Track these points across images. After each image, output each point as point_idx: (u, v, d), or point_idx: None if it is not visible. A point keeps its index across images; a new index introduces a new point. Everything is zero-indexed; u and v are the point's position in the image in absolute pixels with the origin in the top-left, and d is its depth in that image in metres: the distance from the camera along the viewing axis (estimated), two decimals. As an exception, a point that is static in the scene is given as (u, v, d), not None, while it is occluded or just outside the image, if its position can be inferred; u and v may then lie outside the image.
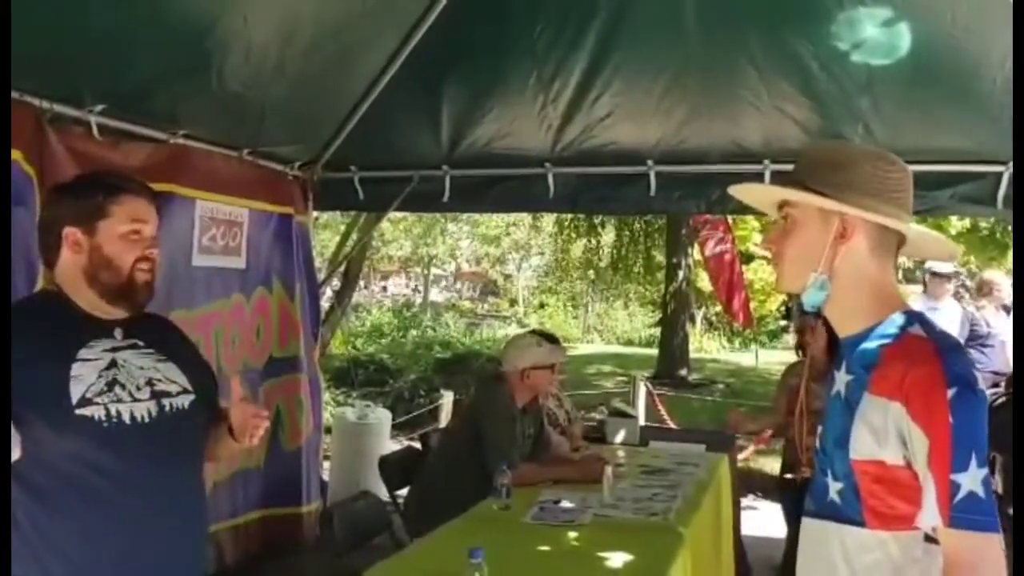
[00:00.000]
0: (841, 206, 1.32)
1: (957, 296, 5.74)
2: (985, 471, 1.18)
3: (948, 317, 5.47)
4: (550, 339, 3.53)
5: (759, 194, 1.53)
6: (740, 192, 1.52)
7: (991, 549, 1.18)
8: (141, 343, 1.74)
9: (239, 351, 4.08)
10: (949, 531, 1.18)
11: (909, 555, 1.25)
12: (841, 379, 1.36)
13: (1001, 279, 5.83)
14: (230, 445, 1.87)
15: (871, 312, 1.34)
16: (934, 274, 5.65)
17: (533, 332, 3.69)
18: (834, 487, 1.32)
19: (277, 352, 4.35)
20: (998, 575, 1.18)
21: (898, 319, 1.31)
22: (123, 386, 1.64)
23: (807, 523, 1.40)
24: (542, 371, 3.39)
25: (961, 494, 1.17)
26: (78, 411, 1.56)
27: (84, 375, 1.60)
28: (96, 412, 1.58)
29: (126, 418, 1.61)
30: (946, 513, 1.17)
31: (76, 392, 1.57)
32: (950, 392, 1.19)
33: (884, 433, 1.24)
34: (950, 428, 1.18)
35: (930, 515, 1.19)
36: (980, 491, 1.17)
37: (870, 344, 1.31)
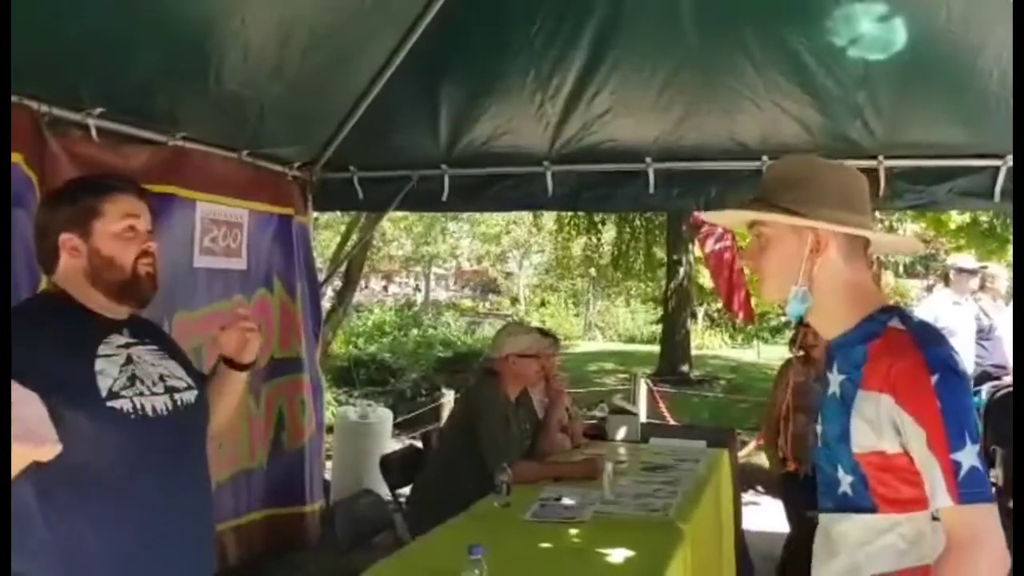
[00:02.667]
0: (814, 223, 1.39)
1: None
2: (977, 445, 1.25)
3: (969, 312, 5.48)
4: (542, 331, 3.59)
5: (732, 216, 1.61)
6: (713, 218, 1.61)
7: (992, 518, 1.25)
8: (147, 340, 1.76)
9: None
10: (957, 508, 1.23)
11: (919, 532, 1.32)
12: (835, 380, 1.42)
13: (999, 270, 5.85)
14: (236, 380, 1.90)
15: (852, 313, 1.41)
16: (959, 270, 5.62)
17: (516, 322, 3.74)
18: (845, 481, 1.39)
19: (278, 353, 4.36)
20: (999, 541, 1.24)
21: (880, 316, 1.39)
22: (142, 381, 1.66)
23: (824, 519, 1.47)
24: (527, 360, 3.39)
25: (963, 471, 1.23)
26: (108, 403, 1.58)
27: (107, 369, 1.62)
28: (124, 405, 1.60)
29: (149, 411, 1.64)
30: (954, 492, 1.23)
31: (104, 386, 1.59)
32: (934, 378, 1.27)
33: (879, 425, 1.31)
34: (940, 411, 1.25)
35: (941, 497, 1.24)
36: (978, 464, 1.25)
37: (856, 344, 1.38)
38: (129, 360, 1.67)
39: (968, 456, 1.23)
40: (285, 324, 4.40)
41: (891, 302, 1.45)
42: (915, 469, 1.29)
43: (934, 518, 1.30)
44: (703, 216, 1.48)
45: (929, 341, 1.32)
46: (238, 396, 1.99)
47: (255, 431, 4.18)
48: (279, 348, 4.36)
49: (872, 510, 1.35)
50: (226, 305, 4.00)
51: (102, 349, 1.64)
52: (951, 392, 1.26)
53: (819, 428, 1.47)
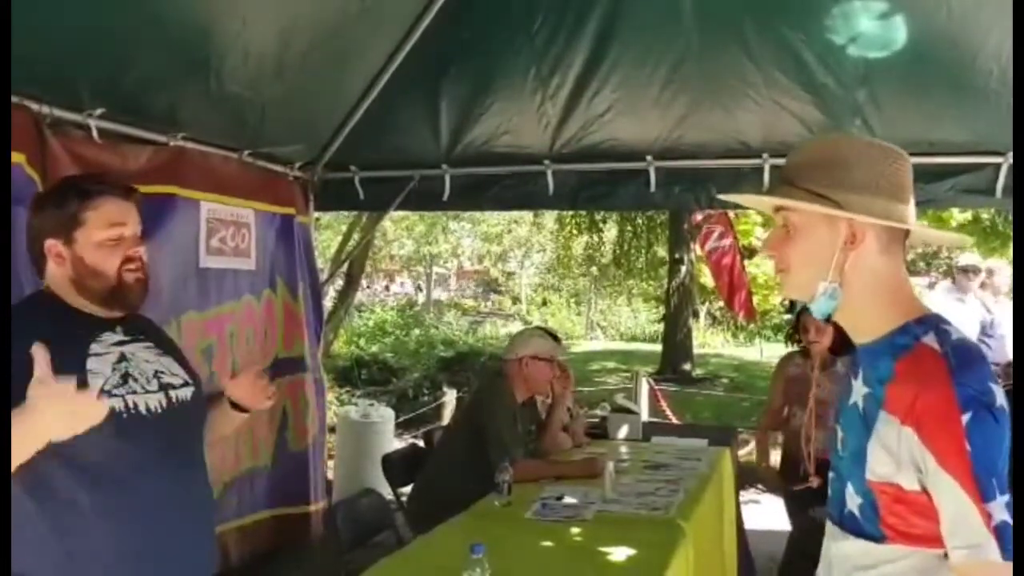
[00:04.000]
0: (850, 215, 1.24)
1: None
2: (1007, 496, 1.13)
3: (972, 309, 5.51)
4: (553, 336, 3.59)
5: (757, 201, 1.48)
6: (739, 199, 1.48)
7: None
8: (142, 337, 1.76)
9: (252, 352, 4.10)
10: (984, 562, 1.12)
11: (931, 566, 1.21)
12: (858, 390, 1.29)
13: (1000, 266, 5.88)
14: (235, 419, 1.95)
15: (886, 317, 1.26)
16: (962, 268, 5.67)
17: (538, 327, 3.77)
18: (854, 501, 1.27)
19: (282, 352, 4.37)
20: None
21: (912, 327, 1.24)
22: (135, 379, 1.67)
23: (831, 528, 1.36)
24: (541, 363, 3.41)
25: (994, 524, 1.11)
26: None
27: (99, 369, 1.62)
28: (116, 404, 1.60)
29: (142, 409, 1.64)
30: (994, 544, 1.11)
31: (95, 385, 1.59)
32: (964, 418, 1.12)
33: (898, 457, 1.19)
34: (969, 457, 1.12)
35: (985, 550, 1.12)
36: (1007, 517, 1.12)
37: (884, 355, 1.24)
38: (122, 358, 1.67)
39: (998, 509, 1.11)
40: (288, 323, 4.41)
41: (929, 310, 1.28)
42: (933, 505, 1.17)
43: (947, 556, 1.18)
44: (726, 197, 1.37)
45: (964, 368, 1.15)
46: (232, 429, 2.03)
47: (260, 430, 4.19)
48: (283, 347, 4.37)
49: (879, 539, 1.23)
50: (236, 306, 4.00)
51: (94, 348, 1.64)
52: (983, 434, 1.12)
53: (839, 434, 1.33)
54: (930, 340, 1.20)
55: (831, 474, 1.37)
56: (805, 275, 1.29)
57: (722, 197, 1.51)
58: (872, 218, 1.24)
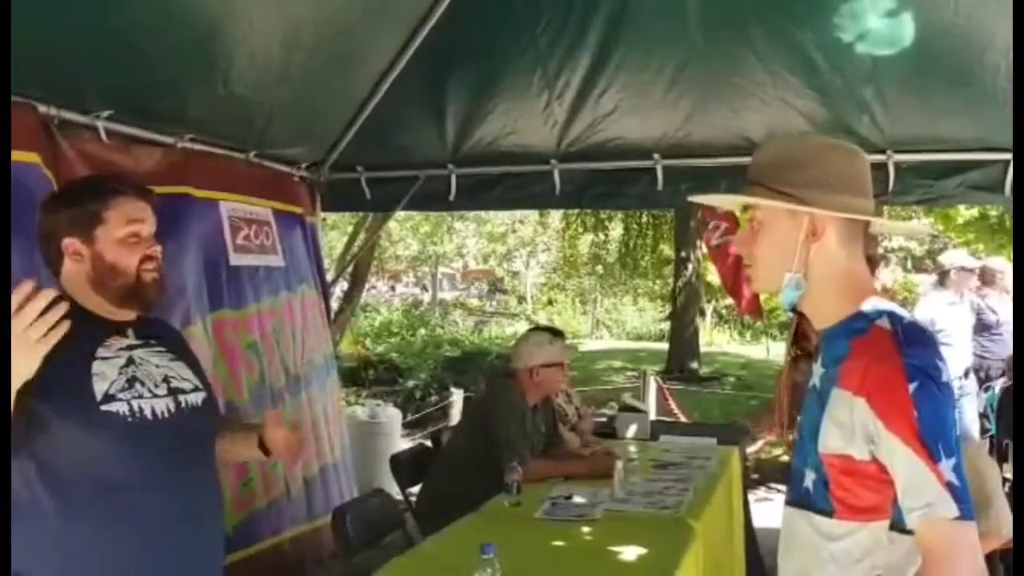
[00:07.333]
0: (812, 209, 1.31)
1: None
2: (954, 459, 1.18)
3: (966, 309, 5.47)
4: (558, 335, 3.58)
5: (725, 200, 1.58)
6: (707, 200, 1.56)
7: (967, 536, 1.18)
8: (153, 341, 1.76)
9: (300, 348, 4.11)
10: (938, 521, 1.17)
11: (876, 541, 1.27)
12: (817, 372, 1.37)
13: (1003, 266, 5.84)
14: (254, 455, 1.90)
15: (844, 304, 1.34)
16: (962, 268, 5.59)
17: (541, 329, 3.74)
18: (808, 477, 1.33)
19: (328, 348, 4.47)
20: (974, 561, 1.18)
21: (868, 312, 1.31)
22: (142, 383, 1.67)
23: (785, 511, 1.42)
24: (552, 369, 3.41)
25: (946, 480, 1.17)
26: (103, 407, 1.58)
27: (105, 372, 1.62)
28: (120, 408, 1.60)
29: (148, 414, 1.64)
30: (950, 504, 1.16)
31: (99, 389, 1.60)
32: (911, 386, 1.19)
33: (850, 429, 1.25)
34: (916, 422, 1.18)
35: (941, 508, 1.17)
36: (955, 480, 1.17)
37: (841, 337, 1.32)
38: (130, 362, 1.67)
39: (947, 470, 1.17)
40: (324, 320, 4.46)
41: (884, 297, 1.37)
42: (882, 477, 1.23)
43: (892, 529, 1.25)
44: (696, 199, 1.45)
45: (913, 344, 1.23)
46: (247, 459, 1.99)
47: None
48: (328, 343, 4.46)
49: (829, 513, 1.29)
50: (275, 302, 3.99)
51: (101, 352, 1.64)
52: (929, 401, 1.19)
53: (799, 418, 1.41)
54: (883, 322, 1.28)
55: (794, 459, 1.43)
56: (771, 268, 1.37)
57: (692, 199, 1.56)
58: (832, 212, 1.32)
